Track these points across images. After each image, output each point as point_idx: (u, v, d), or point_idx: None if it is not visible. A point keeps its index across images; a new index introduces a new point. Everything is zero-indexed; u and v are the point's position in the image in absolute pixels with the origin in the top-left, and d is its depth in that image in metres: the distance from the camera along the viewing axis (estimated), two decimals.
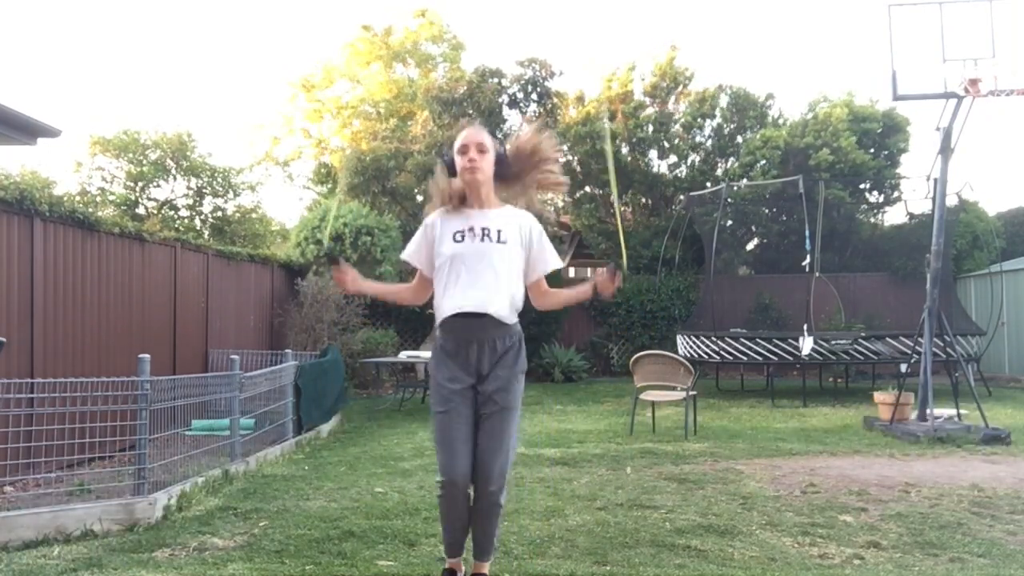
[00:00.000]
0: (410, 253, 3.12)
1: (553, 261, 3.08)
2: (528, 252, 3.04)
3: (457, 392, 2.94)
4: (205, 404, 5.98)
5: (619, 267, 2.92)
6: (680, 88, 15.85)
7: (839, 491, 4.98)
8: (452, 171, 3.04)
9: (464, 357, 2.95)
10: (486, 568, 3.12)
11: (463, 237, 2.95)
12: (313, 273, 11.25)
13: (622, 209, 17.13)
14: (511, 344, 2.99)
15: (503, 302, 2.91)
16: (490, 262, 2.91)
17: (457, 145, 3.00)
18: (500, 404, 2.93)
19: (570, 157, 16.18)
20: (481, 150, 2.96)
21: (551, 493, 4.92)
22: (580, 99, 16.33)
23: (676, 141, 15.75)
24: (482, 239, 2.94)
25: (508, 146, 3.11)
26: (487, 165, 2.97)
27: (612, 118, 15.56)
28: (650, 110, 15.56)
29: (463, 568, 3.17)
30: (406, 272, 12.35)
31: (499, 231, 2.96)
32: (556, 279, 3.14)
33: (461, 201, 3.04)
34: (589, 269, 20.37)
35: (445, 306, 2.95)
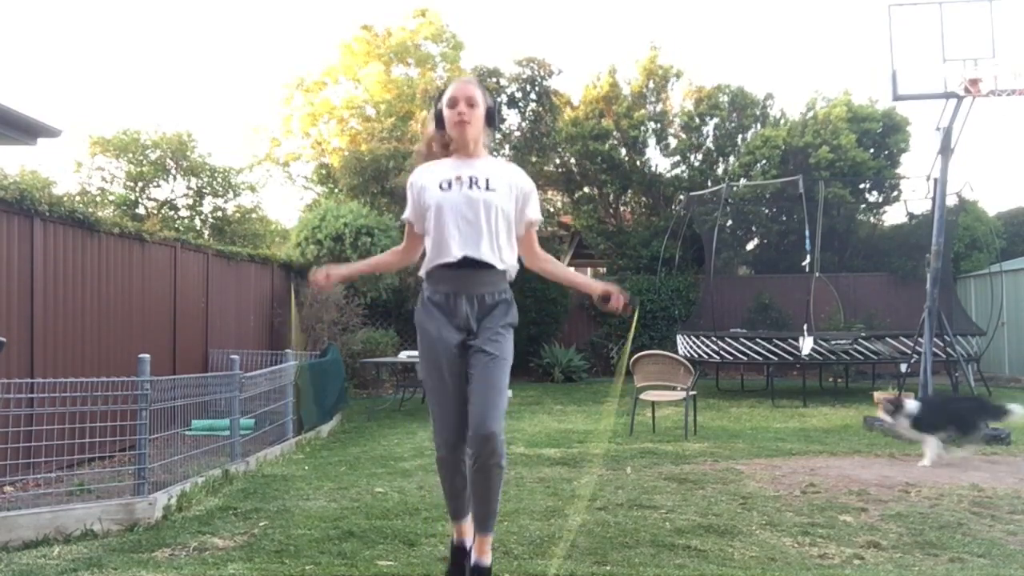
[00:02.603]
0: (407, 213, 3.03)
1: (533, 213, 2.99)
2: (516, 204, 2.93)
3: (446, 353, 2.84)
4: (205, 404, 5.98)
5: (632, 303, 2.94)
6: (672, 85, 15.83)
7: (839, 491, 4.98)
8: (440, 124, 2.95)
9: (451, 308, 2.85)
10: (489, 544, 2.99)
11: (449, 185, 2.87)
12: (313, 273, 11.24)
13: (622, 210, 17.14)
14: (500, 299, 2.89)
15: (493, 251, 2.83)
16: (478, 210, 2.83)
17: (446, 98, 2.91)
18: (491, 353, 2.81)
19: (567, 157, 16.20)
20: (471, 104, 2.87)
21: (551, 493, 4.92)
22: (569, 102, 16.35)
23: (675, 142, 15.75)
24: (470, 187, 2.85)
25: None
26: (477, 120, 2.89)
27: (601, 116, 15.56)
28: (643, 110, 15.55)
29: (471, 534, 3.04)
30: (406, 271, 12.41)
31: (487, 179, 2.87)
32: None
33: (444, 150, 2.98)
34: (589, 269, 20.37)
35: (432, 255, 2.86)
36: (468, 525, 3.05)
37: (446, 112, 2.90)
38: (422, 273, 2.95)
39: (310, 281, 3.00)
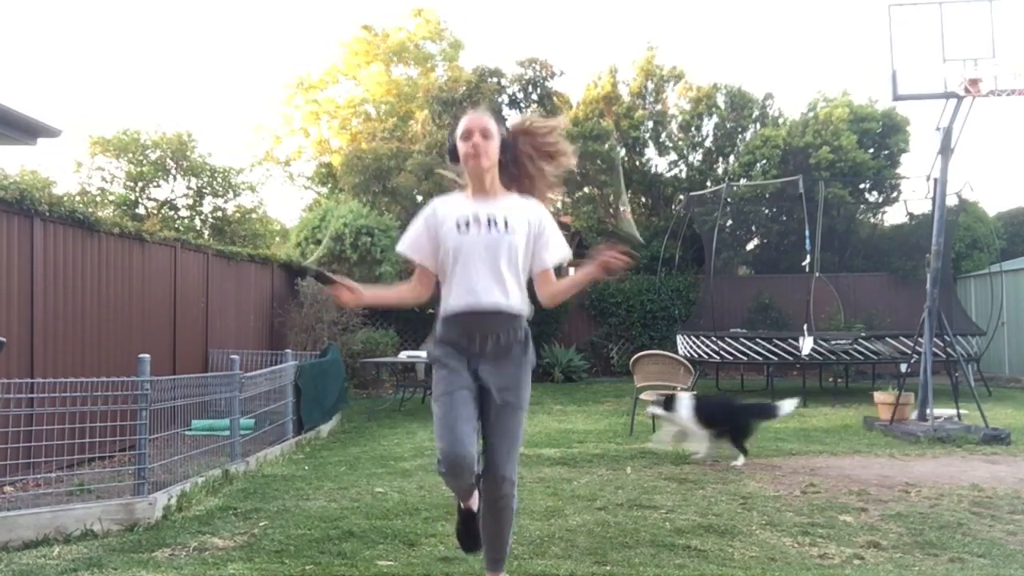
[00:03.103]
0: (408, 245, 2.88)
1: (558, 253, 2.88)
2: (534, 242, 2.83)
3: (460, 375, 2.77)
4: (205, 404, 5.98)
5: (618, 237, 2.80)
6: (671, 86, 15.83)
7: (839, 491, 4.98)
8: (454, 158, 2.86)
9: (466, 346, 2.78)
10: None
11: (468, 226, 2.76)
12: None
13: (622, 209, 17.13)
14: (516, 337, 2.82)
15: (512, 295, 2.76)
16: (497, 253, 2.73)
17: (460, 130, 2.81)
18: (508, 402, 2.77)
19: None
20: (485, 135, 2.76)
21: (551, 493, 4.92)
22: (568, 102, 16.37)
23: (675, 141, 15.74)
24: (488, 228, 2.75)
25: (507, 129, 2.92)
26: (492, 151, 2.78)
27: (601, 116, 15.57)
28: (642, 110, 15.54)
29: (477, 502, 2.95)
30: (406, 271, 12.39)
31: (506, 219, 2.76)
32: (557, 272, 2.96)
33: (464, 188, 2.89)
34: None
35: (451, 302, 2.78)
36: (476, 498, 2.91)
37: (460, 145, 2.79)
38: (439, 316, 2.86)
39: (334, 288, 2.83)
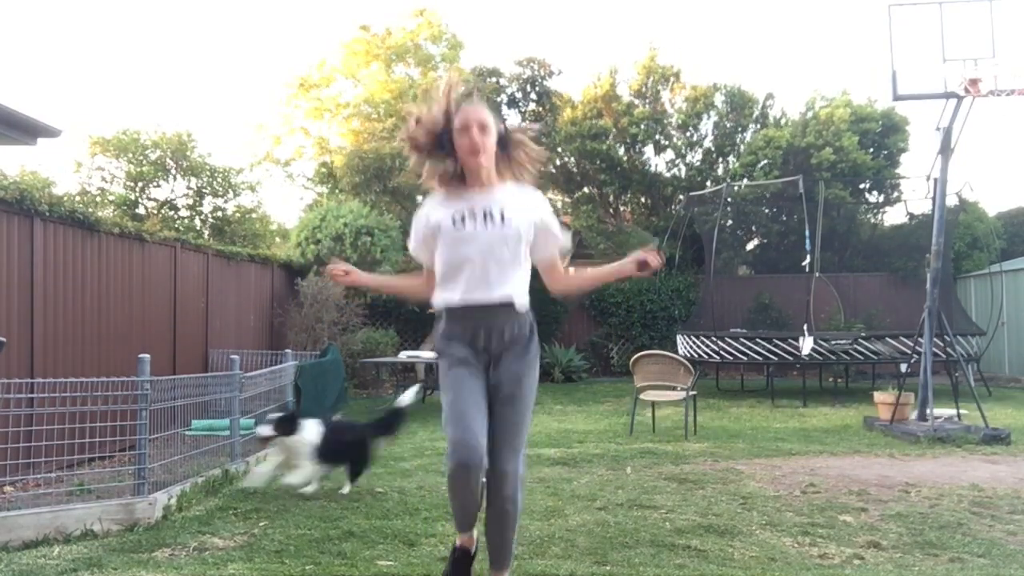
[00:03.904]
0: (415, 248, 2.90)
1: (558, 243, 2.86)
2: (537, 235, 2.79)
3: (468, 363, 2.74)
4: (205, 404, 5.97)
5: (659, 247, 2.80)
6: (670, 85, 15.84)
7: (839, 491, 4.98)
8: (441, 146, 2.76)
9: (471, 340, 2.75)
10: None
11: (463, 220, 2.71)
12: (313, 273, 11.26)
13: (622, 210, 17.15)
14: (521, 331, 2.79)
15: (511, 289, 2.72)
16: (495, 247, 2.69)
17: (456, 124, 2.72)
18: (513, 394, 2.75)
19: (568, 158, 16.20)
20: (483, 129, 2.70)
21: (551, 493, 4.92)
22: (570, 102, 16.39)
23: (673, 140, 15.74)
24: (484, 222, 2.70)
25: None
26: (489, 145, 2.72)
27: (599, 116, 15.57)
28: (642, 108, 15.54)
29: (476, 541, 2.95)
30: (406, 271, 12.40)
31: (502, 211, 2.71)
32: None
33: (458, 180, 2.81)
34: (588, 269, 20.38)
35: (454, 298, 2.74)
36: (474, 536, 2.94)
37: (457, 139, 2.72)
38: (435, 309, 2.84)
39: (328, 269, 2.88)
